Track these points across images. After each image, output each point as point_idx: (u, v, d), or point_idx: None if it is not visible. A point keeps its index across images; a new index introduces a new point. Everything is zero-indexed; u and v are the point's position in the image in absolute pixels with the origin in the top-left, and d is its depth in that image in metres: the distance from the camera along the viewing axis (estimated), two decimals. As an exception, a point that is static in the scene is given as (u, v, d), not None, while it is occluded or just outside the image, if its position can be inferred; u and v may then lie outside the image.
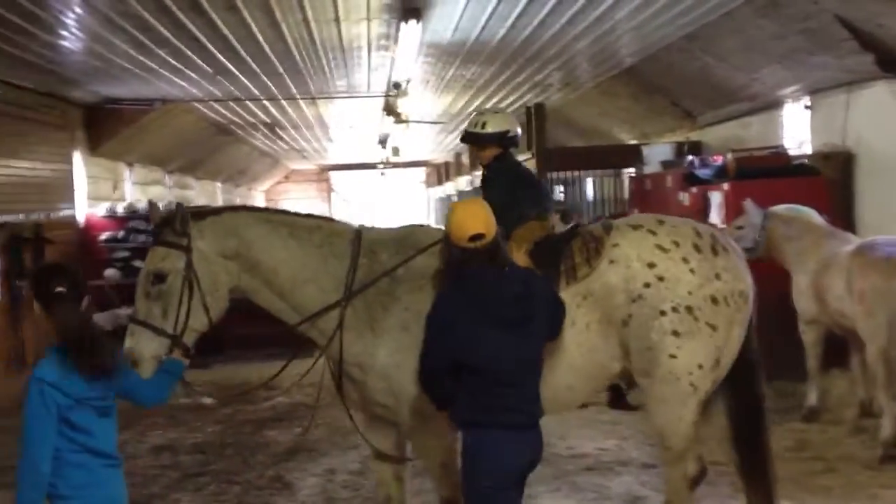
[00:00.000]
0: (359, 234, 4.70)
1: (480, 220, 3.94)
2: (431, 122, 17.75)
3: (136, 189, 15.89)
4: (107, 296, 12.40)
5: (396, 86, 12.77)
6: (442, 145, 24.70)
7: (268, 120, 17.07)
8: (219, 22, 8.81)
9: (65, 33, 8.94)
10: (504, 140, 5.13)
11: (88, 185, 13.50)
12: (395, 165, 28.87)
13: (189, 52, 10.17)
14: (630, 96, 13.92)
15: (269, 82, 12.62)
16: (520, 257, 4.50)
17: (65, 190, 12.66)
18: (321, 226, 4.74)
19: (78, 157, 13.11)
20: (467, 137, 5.25)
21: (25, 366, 10.26)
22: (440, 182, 30.87)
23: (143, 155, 15.88)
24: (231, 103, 14.48)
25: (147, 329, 4.30)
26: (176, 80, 11.88)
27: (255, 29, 9.22)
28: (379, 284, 4.56)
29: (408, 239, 4.75)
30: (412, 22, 9.02)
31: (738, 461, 4.88)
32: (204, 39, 9.55)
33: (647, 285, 4.54)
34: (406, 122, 15.18)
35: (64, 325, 3.65)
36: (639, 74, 12.72)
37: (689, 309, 4.51)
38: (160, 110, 13.64)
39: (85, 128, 13.32)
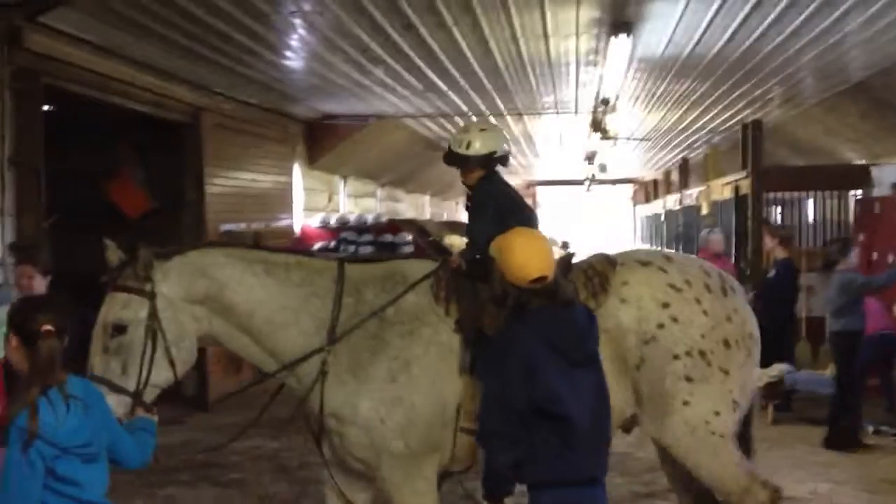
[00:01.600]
0: (342, 270, 4.23)
1: (544, 262, 3.54)
2: (640, 139, 17.31)
3: (349, 201, 16.54)
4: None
5: (605, 102, 12.52)
6: (651, 162, 24.08)
7: (476, 135, 17.23)
8: (429, 40, 8.97)
9: (288, 53, 9.41)
10: (489, 162, 4.60)
11: (305, 197, 14.18)
12: (602, 182, 28.46)
13: (401, 70, 10.44)
14: (859, 113, 12.95)
15: (476, 98, 12.75)
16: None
17: (284, 201, 13.34)
18: (301, 262, 4.24)
19: (297, 170, 13.80)
20: (450, 158, 4.68)
21: (241, 366, 10.89)
22: (648, 200, 30.12)
23: (357, 168, 16.50)
24: (440, 119, 14.76)
25: (103, 386, 3.71)
26: (389, 96, 12.24)
27: (463, 46, 9.32)
28: (366, 326, 4.13)
29: (394, 275, 4.31)
30: (622, 36, 8.79)
31: None
32: (415, 57, 9.76)
33: (660, 326, 4.26)
34: (614, 138, 14.88)
35: (47, 364, 3.19)
36: (869, 90, 11.80)
37: (702, 353, 4.25)
38: (374, 126, 14.11)
39: (304, 142, 14.02)
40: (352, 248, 13.77)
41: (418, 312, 4.18)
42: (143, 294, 3.85)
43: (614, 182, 30.14)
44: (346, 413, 4.07)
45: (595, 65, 10.65)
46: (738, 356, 4.32)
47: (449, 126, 15.78)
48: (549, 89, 12.32)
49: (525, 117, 15.01)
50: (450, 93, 12.19)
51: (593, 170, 22.83)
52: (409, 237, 13.72)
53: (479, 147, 4.55)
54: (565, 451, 3.35)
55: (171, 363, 3.88)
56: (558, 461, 3.35)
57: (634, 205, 33.50)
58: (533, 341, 3.41)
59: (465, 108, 13.61)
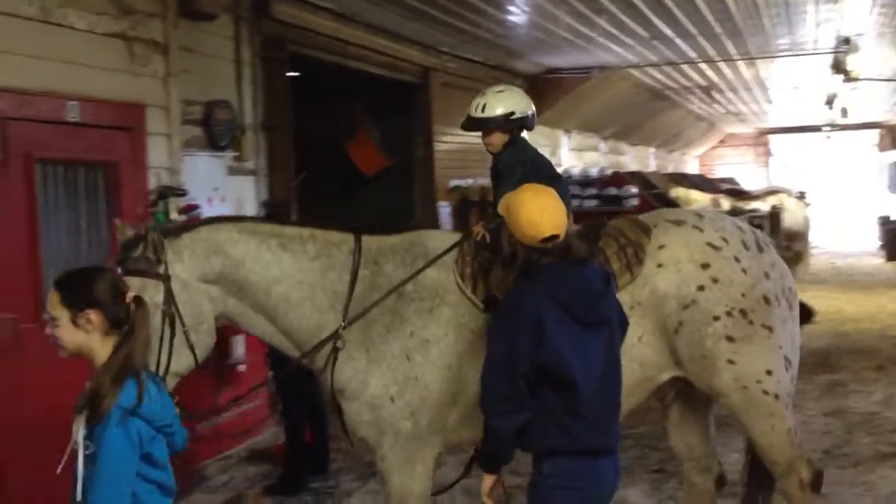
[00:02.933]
0: (359, 241, 3.95)
1: (556, 219, 3.24)
2: (886, 80, 16.02)
3: (572, 155, 16.52)
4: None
5: (846, 41, 11.70)
6: (899, 104, 22.20)
7: (703, 83, 16.67)
8: (656, -14, 8.76)
9: (512, 9, 9.52)
10: (508, 123, 4.23)
11: (529, 152, 14.29)
12: (843, 128, 26.56)
13: (626, 19, 10.26)
14: None
15: (705, 44, 12.29)
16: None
17: (508, 156, 13.53)
18: (315, 235, 3.92)
19: (520, 125, 13.94)
20: (467, 123, 4.37)
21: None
22: (896, 146, 27.83)
23: (580, 122, 16.42)
24: (666, 68, 14.37)
25: None
26: (613, 47, 12.07)
27: (692, -10, 9.02)
28: (383, 300, 3.86)
29: (415, 247, 4.01)
30: (868, -31, 8.16)
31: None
32: (641, 5, 9.56)
33: (700, 288, 4.06)
34: (856, 79, 13.87)
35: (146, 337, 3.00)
36: None
37: (742, 312, 4.07)
38: (597, 77, 13.97)
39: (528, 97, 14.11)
40: (575, 203, 13.78)
41: (439, 290, 3.90)
42: (157, 277, 3.55)
43: (857, 127, 28.03)
44: (353, 388, 3.83)
45: (835, 1, 9.97)
46: (779, 311, 4.16)
47: (676, 75, 15.32)
48: (783, 30, 11.66)
49: (757, 62, 14.29)
50: (676, 40, 11.83)
51: (833, 115, 21.36)
52: (634, 190, 13.54)
53: (495, 108, 4.23)
54: (567, 418, 3.14)
55: (192, 348, 3.62)
56: (559, 429, 3.15)
57: (881, 151, 31.06)
58: (541, 300, 3.14)
59: (692, 55, 13.17)
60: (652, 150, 23.83)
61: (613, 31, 10.94)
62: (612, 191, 13.59)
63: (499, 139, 4.26)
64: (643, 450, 7.07)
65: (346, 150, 10.87)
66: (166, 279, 3.57)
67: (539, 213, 3.21)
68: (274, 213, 6.79)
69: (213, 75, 7.22)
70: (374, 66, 9.77)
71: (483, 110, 4.23)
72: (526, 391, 3.12)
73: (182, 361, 3.60)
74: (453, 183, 11.44)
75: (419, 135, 10.97)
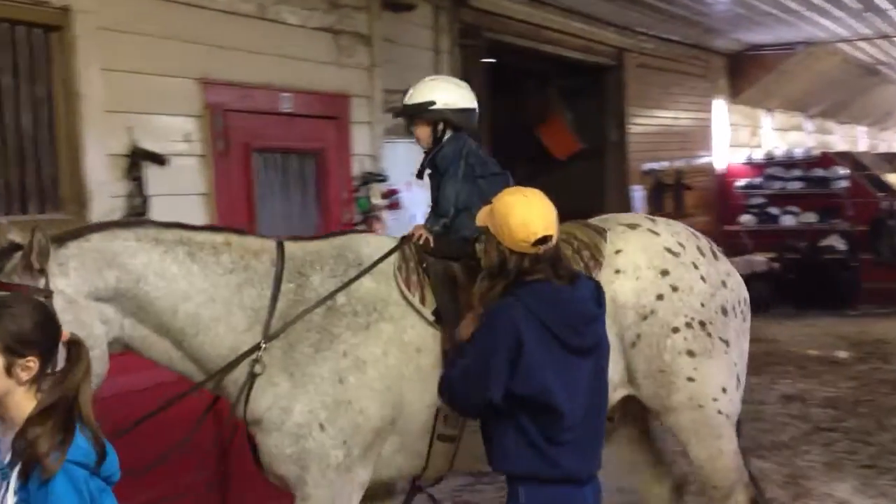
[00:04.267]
0: (282, 249, 3.44)
1: (548, 218, 2.95)
2: None
3: (774, 135, 15.79)
4: (742, 241, 12.67)
5: None
6: None
7: (922, 56, 15.49)
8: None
9: (712, -15, 9.22)
10: (429, 114, 3.76)
11: (727, 133, 13.82)
12: None
13: (836, -10, 9.70)
14: None
15: (926, 14, 11.41)
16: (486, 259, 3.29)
17: (704, 137, 13.14)
18: (230, 242, 3.36)
19: (718, 105, 13.48)
20: (396, 111, 4.07)
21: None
22: None
23: (783, 100, 15.67)
24: (879, 41, 13.43)
25: None
26: (821, 20, 11.42)
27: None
28: (309, 315, 3.34)
29: (346, 254, 3.52)
30: None
31: None
32: (853, -25, 9.01)
33: (660, 297, 3.73)
34: None
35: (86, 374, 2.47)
36: None
37: (702, 324, 3.78)
38: (802, 53, 13.28)
39: (727, 76, 13.63)
40: (778, 185, 13.19)
41: (377, 302, 3.43)
42: (36, 293, 2.90)
43: None
44: (272, 417, 3.28)
45: None
46: (735, 323, 3.90)
47: (889, 48, 14.30)
48: None
49: None
50: (890, 10, 11.04)
51: None
52: (844, 171, 12.79)
53: (417, 96, 3.81)
54: (547, 445, 2.90)
55: None
56: (537, 454, 2.91)
57: None
58: (526, 322, 2.85)
59: (910, 27, 12.26)
60: (862, 128, 22.37)
61: (822, 3, 10.35)
62: (819, 172, 12.92)
63: (423, 132, 3.82)
64: (853, 444, 6.73)
65: (538, 134, 10.90)
66: (48, 295, 2.91)
67: (530, 213, 2.93)
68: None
69: (413, 64, 7.42)
70: (569, 50, 9.74)
71: (410, 98, 3.85)
72: (490, 412, 2.94)
73: None
74: (647, 166, 11.23)
75: (613, 117, 10.85)
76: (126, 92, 5.03)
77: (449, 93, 3.84)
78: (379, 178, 6.80)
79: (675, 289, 3.74)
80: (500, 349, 2.84)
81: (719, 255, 4.01)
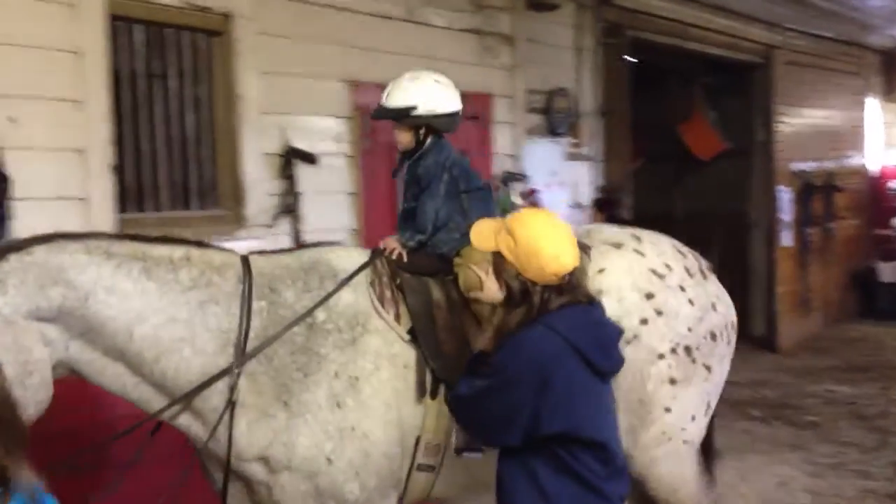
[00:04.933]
0: (247, 264, 3.13)
1: (575, 248, 2.77)
2: None
3: (932, 135, 14.92)
4: (894, 247, 12.06)
5: None
6: None
7: None
8: None
9: (869, -22, 8.79)
10: (409, 119, 3.50)
11: (881, 132, 13.16)
12: None
13: None
14: None
15: None
16: (486, 282, 2.92)
17: (856, 137, 12.55)
18: (190, 257, 3.04)
19: (871, 104, 12.85)
20: (373, 111, 3.71)
21: (810, 310, 10.68)
22: None
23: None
24: None
25: None
26: None
27: None
28: (290, 337, 3.06)
29: (317, 267, 3.26)
30: None
31: None
32: None
33: (644, 322, 3.53)
34: None
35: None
36: None
37: (687, 350, 3.58)
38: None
39: (881, 73, 12.98)
40: (938, 190, 12.47)
41: (359, 315, 3.20)
42: None
43: None
44: (277, 454, 3.02)
45: None
46: (720, 349, 3.73)
47: None
48: None
49: None
50: None
51: None
52: None
53: (396, 98, 3.53)
54: (597, 479, 2.66)
55: None
56: (588, 491, 2.66)
57: None
58: (560, 353, 2.62)
59: None
60: None
61: None
62: None
63: (404, 136, 3.57)
64: None
65: (680, 133, 10.67)
66: None
67: (560, 244, 2.72)
68: (604, 200, 6.86)
69: (554, 64, 7.41)
70: (714, 47, 9.47)
71: (387, 98, 3.56)
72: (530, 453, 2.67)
73: None
74: (796, 167, 10.81)
75: (760, 116, 10.48)
76: (281, 94, 5.23)
77: (431, 96, 3.53)
78: (519, 177, 6.82)
79: (659, 313, 3.54)
80: (525, 389, 2.56)
81: (709, 274, 3.81)
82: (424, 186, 3.49)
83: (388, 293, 3.28)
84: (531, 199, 6.82)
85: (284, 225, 5.23)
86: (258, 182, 5.12)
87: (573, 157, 7.64)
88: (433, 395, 3.21)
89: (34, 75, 4.11)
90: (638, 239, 3.73)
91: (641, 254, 3.65)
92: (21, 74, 4.06)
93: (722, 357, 3.74)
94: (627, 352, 3.30)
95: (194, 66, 4.97)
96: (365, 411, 3.09)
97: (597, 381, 2.69)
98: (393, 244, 3.41)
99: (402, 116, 3.51)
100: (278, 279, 3.15)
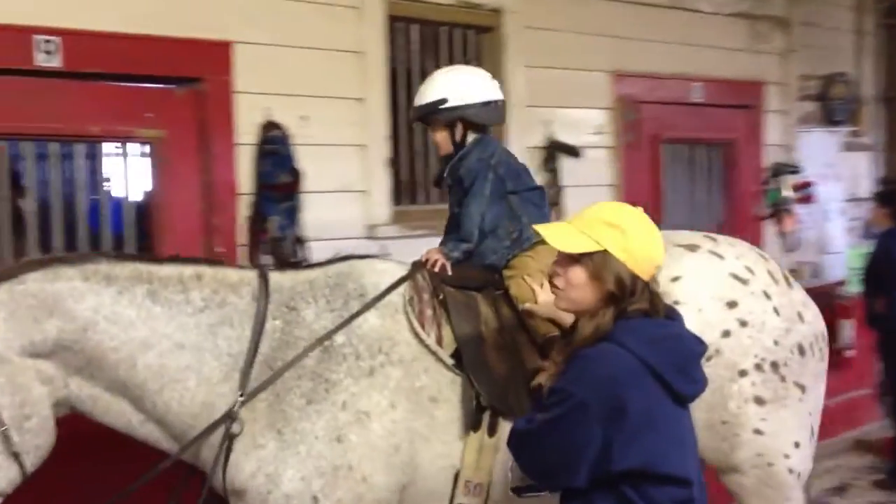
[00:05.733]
0: (265, 281, 2.80)
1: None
2: None
3: None
4: None
5: None
6: None
7: None
8: None
9: None
10: (441, 114, 3.13)
11: None
12: None
13: None
14: None
15: None
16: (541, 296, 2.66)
17: None
18: (201, 275, 2.76)
19: None
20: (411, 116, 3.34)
21: None
22: None
23: None
24: None
25: None
26: None
27: None
28: (304, 361, 2.72)
29: (346, 283, 2.88)
30: None
31: None
32: None
33: (726, 334, 3.10)
34: None
35: None
36: None
37: (774, 366, 3.13)
38: None
39: None
40: None
41: (383, 342, 2.82)
42: None
43: None
44: (257, 485, 2.67)
45: None
46: (813, 365, 3.29)
47: None
48: None
49: None
50: None
51: None
52: None
53: (426, 94, 3.18)
54: None
55: (16, 456, 2.49)
56: None
57: None
58: (633, 376, 2.18)
59: None
60: None
61: None
62: None
63: (440, 136, 3.20)
64: None
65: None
66: None
67: (649, 234, 2.29)
68: (887, 193, 6.33)
69: (831, 48, 6.96)
70: None
71: (420, 97, 3.22)
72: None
73: (1, 476, 2.48)
74: None
75: None
76: (544, 87, 5.26)
77: (463, 85, 3.19)
78: (791, 169, 6.45)
79: (743, 324, 3.13)
80: (593, 420, 2.14)
81: (793, 282, 3.36)
82: (468, 188, 3.13)
83: (429, 311, 2.89)
84: (804, 191, 6.44)
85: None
86: (523, 175, 5.18)
87: (851, 146, 7.15)
88: (475, 427, 2.83)
89: (322, 76, 4.39)
90: (713, 240, 3.33)
91: (720, 256, 3.23)
92: (311, 75, 4.34)
93: (815, 375, 3.30)
94: (707, 370, 2.89)
95: (464, 62, 5.11)
96: (369, 451, 2.72)
97: (676, 407, 2.27)
98: (436, 255, 3.02)
99: (433, 112, 3.17)
100: (298, 296, 2.84)
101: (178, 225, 3.96)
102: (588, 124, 5.54)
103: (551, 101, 5.33)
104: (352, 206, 4.44)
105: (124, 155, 4.01)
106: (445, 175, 3.22)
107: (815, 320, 3.34)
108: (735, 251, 3.28)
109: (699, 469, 2.36)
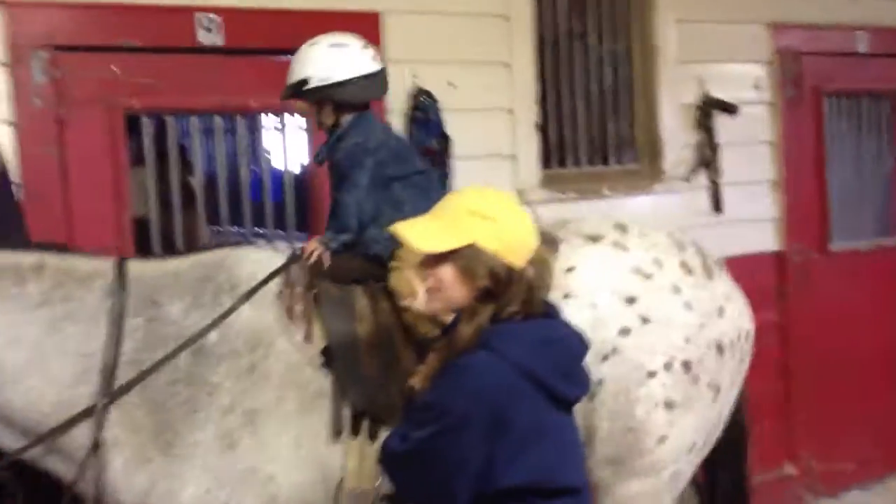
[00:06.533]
0: (122, 271, 2.58)
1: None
2: None
3: None
4: None
5: None
6: None
7: None
8: None
9: None
10: (308, 94, 2.93)
11: None
12: None
13: None
14: None
15: None
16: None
17: None
18: (45, 265, 2.53)
19: None
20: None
21: None
22: None
23: None
24: None
25: None
26: None
27: None
28: (173, 362, 2.52)
29: (216, 275, 2.67)
30: None
31: None
32: None
33: (625, 332, 2.81)
34: None
35: None
36: None
37: (686, 365, 2.84)
38: None
39: None
40: None
41: (262, 336, 2.62)
42: None
43: None
44: None
45: None
46: (731, 365, 3.01)
47: None
48: None
49: None
50: None
51: None
52: None
53: (290, 73, 2.99)
54: None
55: None
56: None
57: None
58: (513, 386, 1.98)
59: None
60: None
61: None
62: None
63: (318, 116, 3.00)
64: None
65: None
66: None
67: (521, 219, 2.11)
68: None
69: None
70: None
71: (289, 74, 3.01)
72: None
73: None
74: None
75: None
76: (697, 42, 5.09)
77: (324, 62, 2.93)
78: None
79: (645, 320, 2.87)
80: (474, 436, 1.95)
81: (717, 271, 3.08)
82: (344, 175, 2.93)
83: (299, 306, 2.69)
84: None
85: (701, 178, 5.10)
86: (675, 134, 5.03)
87: None
88: (354, 432, 2.64)
89: (469, 41, 4.39)
90: (622, 229, 3.06)
91: (623, 247, 2.99)
92: (457, 41, 4.36)
93: (733, 376, 3.05)
94: (604, 369, 2.78)
95: (612, 22, 5.01)
96: (267, 451, 2.57)
97: (560, 413, 2.10)
98: (313, 246, 2.82)
99: (297, 94, 2.99)
100: (162, 290, 2.63)
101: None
102: (745, 79, 5.31)
103: (705, 56, 5.15)
104: (500, 170, 4.44)
105: (282, 127, 4.14)
106: (323, 156, 3.05)
107: (738, 316, 3.06)
108: (644, 242, 3.02)
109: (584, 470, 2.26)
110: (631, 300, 2.89)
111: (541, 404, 2.02)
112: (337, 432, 2.60)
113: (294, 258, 2.77)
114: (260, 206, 4.05)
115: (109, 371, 2.48)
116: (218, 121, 3.96)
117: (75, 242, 3.29)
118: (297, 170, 4.27)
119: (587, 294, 2.85)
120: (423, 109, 4.13)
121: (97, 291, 2.55)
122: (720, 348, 2.99)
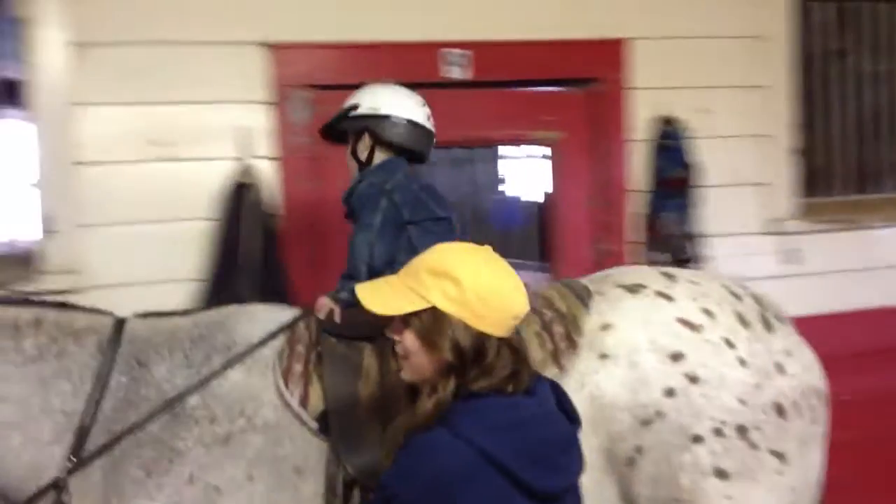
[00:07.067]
0: (120, 329, 2.43)
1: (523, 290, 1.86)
2: None
3: None
4: None
5: None
6: None
7: None
8: None
9: None
10: (352, 122, 2.80)
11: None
12: None
13: None
14: None
15: None
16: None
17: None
18: (42, 321, 2.41)
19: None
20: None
21: None
22: None
23: None
24: None
25: None
26: None
27: None
28: (147, 426, 2.31)
29: (215, 334, 2.46)
30: None
31: None
32: None
33: (669, 393, 2.42)
34: None
35: None
36: None
37: (741, 430, 2.44)
38: None
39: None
40: None
41: (246, 403, 2.40)
42: None
43: None
44: None
45: None
46: (798, 427, 2.50)
47: None
48: None
49: None
50: None
51: None
52: None
53: (346, 102, 2.85)
54: None
55: None
56: None
57: None
58: (470, 476, 1.72)
59: None
60: None
61: None
62: None
63: (362, 149, 2.82)
64: None
65: None
66: None
67: (509, 282, 1.84)
68: None
69: None
70: None
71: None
72: None
73: None
74: None
75: None
76: None
77: (380, 95, 2.82)
78: None
79: (693, 379, 2.49)
80: None
81: (777, 323, 2.61)
82: (357, 215, 2.73)
83: (298, 367, 2.45)
84: None
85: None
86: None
87: None
88: (345, 502, 2.39)
89: (720, 65, 4.21)
90: (670, 278, 2.66)
91: (668, 297, 2.58)
92: (708, 66, 4.19)
93: (802, 441, 2.57)
94: (646, 436, 2.45)
95: (874, 40, 4.63)
96: None
97: (542, 500, 1.78)
98: (325, 301, 2.58)
99: (342, 118, 2.85)
100: (154, 348, 2.47)
101: (571, 222, 4.07)
102: None
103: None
104: (752, 199, 4.22)
105: (524, 157, 4.20)
106: (345, 196, 2.84)
107: (802, 372, 2.60)
108: (693, 290, 2.62)
109: None
110: (677, 357, 2.54)
111: (502, 493, 1.78)
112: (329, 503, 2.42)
113: (302, 316, 2.61)
114: (505, 234, 4.12)
115: (84, 432, 2.36)
116: (464, 152, 4.07)
117: (328, 269, 3.48)
118: (536, 197, 4.30)
119: (626, 353, 2.53)
120: (667, 137, 4.03)
121: (90, 347, 2.46)
122: (780, 410, 2.59)
